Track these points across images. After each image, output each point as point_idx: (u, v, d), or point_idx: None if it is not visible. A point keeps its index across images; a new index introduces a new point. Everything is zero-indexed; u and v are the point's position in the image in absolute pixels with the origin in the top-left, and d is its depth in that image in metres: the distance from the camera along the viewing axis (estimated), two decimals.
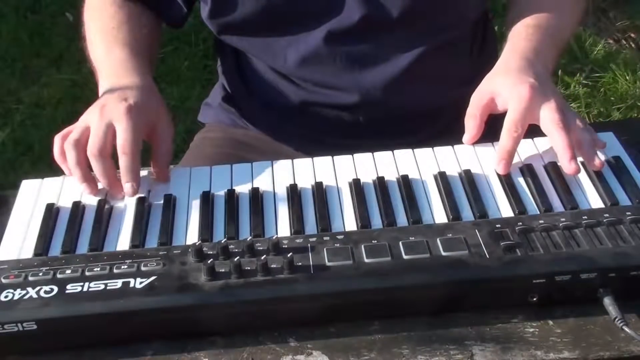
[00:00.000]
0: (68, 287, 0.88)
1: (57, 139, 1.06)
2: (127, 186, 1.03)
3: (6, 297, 0.88)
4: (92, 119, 1.06)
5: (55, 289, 0.88)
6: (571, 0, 1.26)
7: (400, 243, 0.92)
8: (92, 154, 1.03)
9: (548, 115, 1.02)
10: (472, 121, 1.08)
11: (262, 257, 0.89)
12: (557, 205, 0.99)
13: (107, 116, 1.05)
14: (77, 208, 1.02)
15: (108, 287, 0.88)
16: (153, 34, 1.26)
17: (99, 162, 1.03)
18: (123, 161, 1.03)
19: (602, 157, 1.04)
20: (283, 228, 0.98)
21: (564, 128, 1.01)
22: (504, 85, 1.07)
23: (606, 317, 0.88)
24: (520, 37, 1.15)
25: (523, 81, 1.05)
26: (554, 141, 1.02)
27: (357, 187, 1.03)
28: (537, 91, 1.04)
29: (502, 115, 1.06)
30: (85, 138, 1.04)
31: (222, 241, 0.93)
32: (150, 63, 1.21)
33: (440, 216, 0.98)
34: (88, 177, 1.04)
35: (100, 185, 1.05)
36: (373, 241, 0.93)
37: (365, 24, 1.19)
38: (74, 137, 1.04)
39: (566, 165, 1.00)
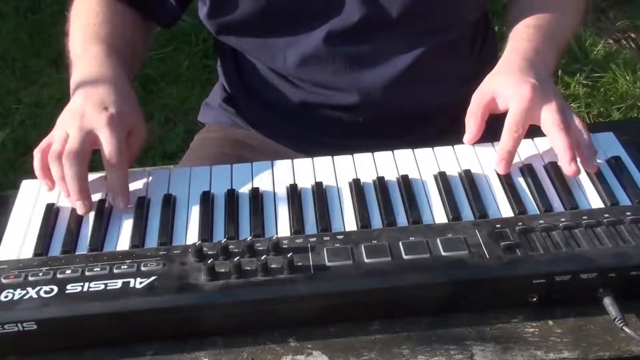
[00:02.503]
0: (68, 287, 0.88)
1: (37, 153, 1.04)
2: (117, 199, 1.01)
3: (6, 297, 0.88)
4: (70, 127, 1.02)
5: (55, 289, 0.88)
6: (572, 1, 1.26)
7: (400, 243, 0.92)
8: (66, 155, 0.99)
9: (549, 116, 1.02)
10: (473, 121, 1.08)
11: (262, 257, 0.89)
12: (557, 205, 0.99)
13: (87, 125, 1.02)
14: None
15: (108, 287, 0.88)
16: (138, 34, 1.24)
17: (73, 164, 0.99)
18: (112, 174, 1.01)
19: (598, 160, 1.04)
20: (283, 228, 0.98)
21: (565, 129, 1.01)
22: (505, 85, 1.07)
23: (606, 317, 0.88)
24: (522, 37, 1.15)
25: (524, 81, 1.05)
26: (554, 142, 1.02)
27: (357, 187, 1.03)
28: (538, 91, 1.04)
29: (503, 116, 1.06)
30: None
31: (222, 241, 0.93)
32: (130, 62, 1.18)
33: (440, 216, 0.98)
34: None
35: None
36: (373, 241, 0.93)
37: (365, 24, 1.18)
38: (57, 149, 1.01)
39: (566, 167, 1.00)
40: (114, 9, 1.22)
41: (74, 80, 1.11)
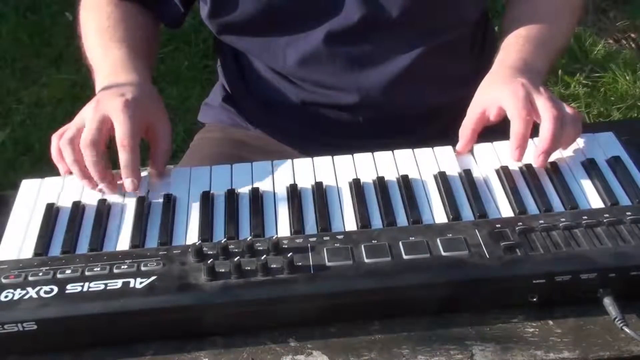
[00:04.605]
0: (68, 287, 0.88)
1: (54, 138, 1.06)
2: (127, 181, 1.03)
3: (6, 297, 0.88)
4: (87, 114, 1.05)
5: (55, 289, 0.88)
6: (566, 7, 1.26)
7: (400, 243, 0.92)
8: (84, 144, 1.02)
9: (541, 104, 1.03)
10: (464, 133, 1.09)
11: (262, 257, 0.89)
12: (557, 205, 0.99)
13: (103, 110, 1.04)
14: (77, 208, 1.02)
15: (108, 287, 0.88)
16: (150, 34, 1.26)
17: (91, 151, 1.02)
18: (123, 155, 1.03)
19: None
20: (283, 228, 0.98)
21: (556, 117, 1.01)
22: (494, 92, 1.08)
23: (606, 317, 0.88)
24: (512, 48, 1.16)
25: (513, 82, 1.07)
26: (541, 128, 1.02)
27: (357, 187, 1.03)
28: (527, 87, 1.05)
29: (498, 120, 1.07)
30: (81, 135, 1.04)
31: (222, 241, 0.93)
32: (148, 63, 1.21)
33: (440, 216, 0.98)
34: (87, 173, 1.04)
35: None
36: (373, 241, 0.93)
37: (365, 24, 1.19)
38: (69, 135, 1.04)
39: (535, 156, 1.02)
40: (125, 9, 1.23)
41: (98, 84, 1.14)
